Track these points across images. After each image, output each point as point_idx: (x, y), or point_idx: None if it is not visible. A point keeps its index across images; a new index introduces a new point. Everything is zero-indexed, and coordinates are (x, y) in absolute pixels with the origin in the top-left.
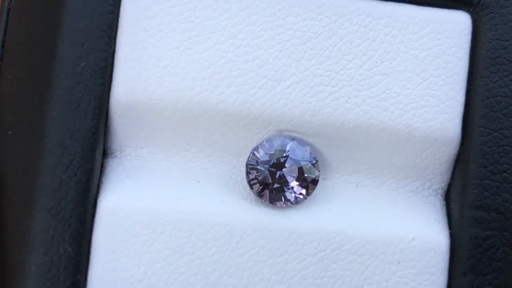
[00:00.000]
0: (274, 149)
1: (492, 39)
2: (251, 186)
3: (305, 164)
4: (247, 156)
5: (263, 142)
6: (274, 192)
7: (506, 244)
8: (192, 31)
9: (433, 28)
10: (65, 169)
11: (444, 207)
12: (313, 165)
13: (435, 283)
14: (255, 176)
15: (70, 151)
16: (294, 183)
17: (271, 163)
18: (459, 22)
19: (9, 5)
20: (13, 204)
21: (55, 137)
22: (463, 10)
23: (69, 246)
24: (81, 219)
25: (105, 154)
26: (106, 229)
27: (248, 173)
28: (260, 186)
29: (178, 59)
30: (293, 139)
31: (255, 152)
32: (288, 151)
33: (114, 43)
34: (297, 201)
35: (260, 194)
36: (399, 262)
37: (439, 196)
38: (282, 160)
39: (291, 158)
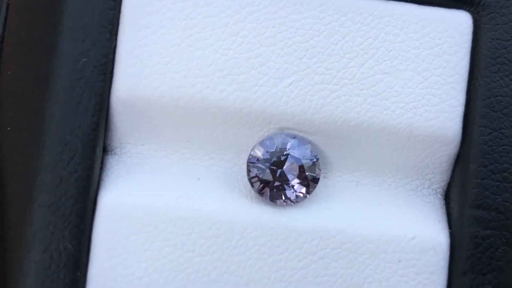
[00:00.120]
0: (275, 147)
1: (493, 39)
2: (251, 184)
3: (306, 162)
4: (248, 154)
5: (264, 140)
6: (274, 190)
7: (506, 243)
8: (193, 28)
9: (434, 27)
10: (66, 165)
11: (444, 206)
12: (314, 163)
13: (435, 282)
14: (256, 174)
15: (71, 148)
16: (294, 181)
17: (272, 161)
18: (460, 21)
19: (8, 0)
20: (13, 201)
21: (55, 133)
22: (464, 9)
23: (69, 243)
24: (81, 216)
25: (106, 150)
26: (106, 226)
27: (249, 171)
28: (260, 184)
29: (180, 56)
30: (294, 137)
31: (256, 150)
32: (289, 149)
33: (115, 40)
34: (297, 200)
35: (260, 192)
36: (399, 261)
37: (439, 196)
38: (283, 158)
39: (292, 156)
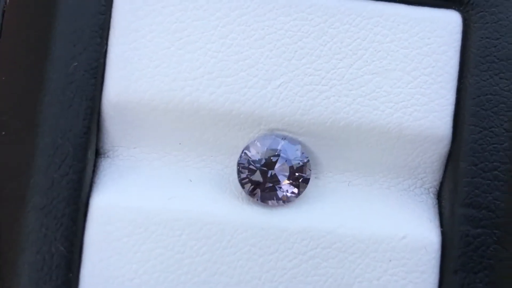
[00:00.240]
0: (265, 148)
1: (482, 38)
2: (242, 185)
3: (296, 163)
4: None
5: (254, 141)
6: (265, 191)
7: (497, 242)
8: (183, 31)
9: (424, 27)
10: (57, 168)
11: (436, 206)
12: (304, 164)
13: (426, 281)
14: (247, 175)
15: (62, 151)
16: (285, 182)
17: (262, 162)
18: (450, 21)
19: (4, 7)
20: (6, 203)
21: (47, 136)
22: (454, 9)
23: (61, 245)
24: (73, 218)
25: (98, 154)
26: (98, 228)
27: (239, 172)
28: (251, 185)
29: (169, 59)
30: (284, 138)
31: (246, 151)
32: (280, 150)
33: (106, 44)
34: (288, 200)
35: (251, 193)
36: (390, 260)
37: (431, 195)
38: (273, 159)
39: (282, 157)
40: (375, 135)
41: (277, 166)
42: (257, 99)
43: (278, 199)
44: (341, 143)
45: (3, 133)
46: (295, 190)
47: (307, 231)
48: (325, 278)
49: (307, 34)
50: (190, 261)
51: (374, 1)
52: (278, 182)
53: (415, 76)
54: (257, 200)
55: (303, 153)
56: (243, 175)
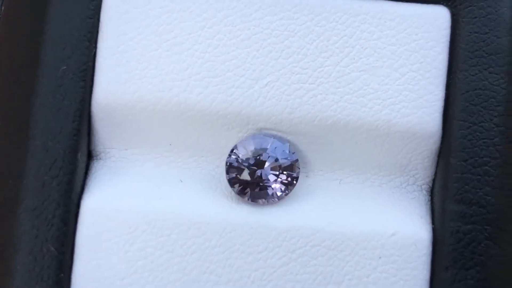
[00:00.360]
0: (254, 147)
1: (471, 33)
2: (231, 185)
3: (285, 161)
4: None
5: (242, 140)
6: (255, 190)
7: (488, 237)
8: (170, 33)
9: (411, 23)
10: (48, 170)
11: (429, 203)
12: (293, 162)
13: (417, 277)
14: (236, 175)
15: (52, 153)
16: (274, 181)
17: (251, 162)
18: (438, 16)
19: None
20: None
21: (38, 139)
22: (442, 4)
23: (52, 246)
24: (64, 219)
25: (91, 156)
26: (89, 229)
27: (228, 172)
28: (240, 185)
29: (157, 60)
30: (272, 137)
31: (235, 150)
32: (268, 149)
33: (95, 47)
34: (278, 198)
35: (240, 193)
36: (379, 257)
37: (424, 192)
38: (262, 158)
39: (271, 156)
40: (363, 133)
41: (265, 165)
42: (244, 98)
43: (267, 198)
44: (330, 141)
45: None
46: (284, 189)
47: (296, 229)
48: (314, 276)
49: (293, 33)
50: (180, 260)
51: None
52: (267, 181)
53: (403, 72)
54: (247, 199)
55: (292, 152)
56: (232, 175)
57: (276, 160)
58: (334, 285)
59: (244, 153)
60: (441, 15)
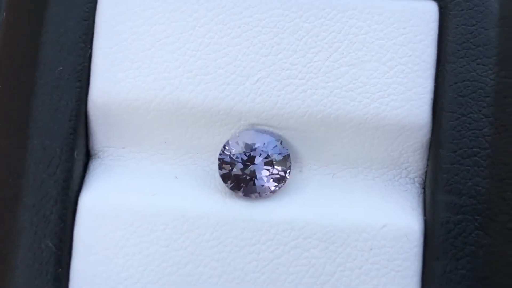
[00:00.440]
0: (245, 143)
1: (458, 25)
2: (224, 180)
3: (276, 156)
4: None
5: (234, 136)
6: (247, 185)
7: (479, 228)
8: (162, 33)
9: (399, 17)
10: (46, 168)
11: (422, 195)
12: (285, 157)
13: (408, 268)
14: (229, 170)
15: (50, 152)
16: (266, 176)
17: (243, 157)
18: (425, 10)
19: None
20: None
21: (36, 138)
22: None
23: (50, 242)
24: (61, 216)
25: (90, 154)
26: (86, 225)
27: (221, 168)
28: (233, 180)
29: (150, 59)
30: (264, 132)
31: (227, 146)
32: (259, 144)
33: (90, 48)
34: (270, 193)
35: (234, 188)
36: (371, 249)
37: (417, 184)
38: (253, 153)
39: (263, 151)
40: (353, 126)
41: (258, 160)
42: (236, 95)
43: (260, 192)
44: (321, 136)
45: None
46: (277, 183)
47: (288, 222)
48: (306, 268)
49: (282, 29)
50: (174, 254)
51: None
52: (259, 176)
53: (391, 66)
54: (239, 194)
55: (283, 146)
56: (225, 170)
57: (268, 155)
58: (326, 276)
59: (236, 148)
60: (429, 9)
